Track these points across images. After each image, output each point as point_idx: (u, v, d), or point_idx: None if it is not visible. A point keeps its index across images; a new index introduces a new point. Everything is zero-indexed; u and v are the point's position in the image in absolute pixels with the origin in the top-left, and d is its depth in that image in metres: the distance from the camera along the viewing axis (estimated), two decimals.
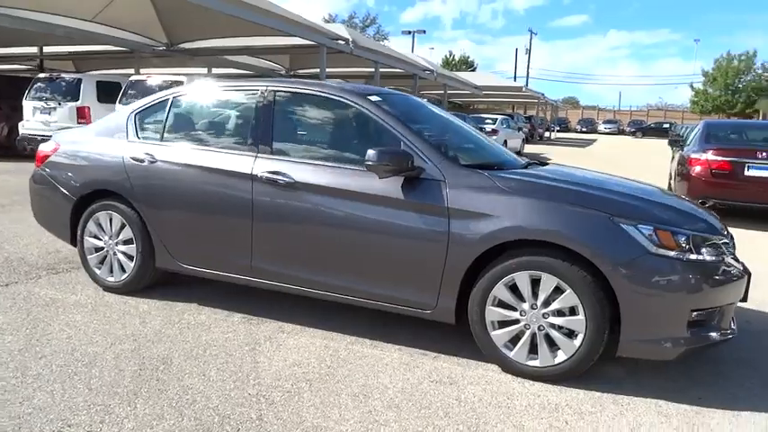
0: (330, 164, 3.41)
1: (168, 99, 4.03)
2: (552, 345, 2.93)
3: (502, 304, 3.00)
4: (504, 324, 3.02)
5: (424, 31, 66.47)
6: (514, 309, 2.98)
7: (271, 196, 3.45)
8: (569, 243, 2.80)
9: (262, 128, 3.62)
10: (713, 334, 2.88)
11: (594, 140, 40.14)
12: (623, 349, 2.82)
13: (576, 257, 2.82)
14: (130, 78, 10.98)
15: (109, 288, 4.09)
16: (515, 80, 49.05)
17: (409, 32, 47.88)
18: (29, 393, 2.66)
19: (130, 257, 4.00)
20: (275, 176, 3.42)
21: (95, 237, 4.11)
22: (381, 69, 15.94)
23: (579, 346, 2.85)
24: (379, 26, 52.72)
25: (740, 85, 49.43)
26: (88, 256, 4.15)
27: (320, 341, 3.39)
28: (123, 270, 4.04)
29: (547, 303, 2.90)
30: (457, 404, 2.71)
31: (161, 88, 10.52)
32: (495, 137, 17.52)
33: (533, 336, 2.96)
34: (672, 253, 2.75)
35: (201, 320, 3.65)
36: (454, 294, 3.08)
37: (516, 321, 2.99)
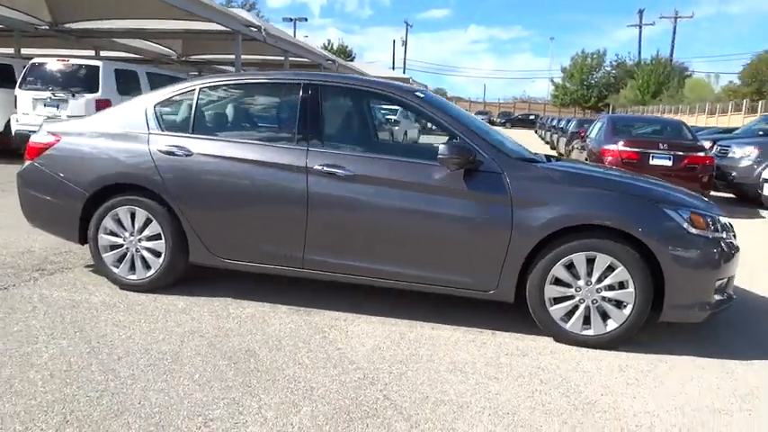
0: (388, 157, 3.57)
1: (194, 90, 3.91)
2: (604, 316, 3.37)
3: (559, 282, 3.38)
4: (559, 300, 3.41)
5: (306, 19, 65.83)
6: (570, 286, 3.38)
7: (328, 189, 3.54)
8: (625, 226, 3.25)
9: (310, 121, 3.66)
10: (725, 299, 3.48)
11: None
12: (665, 315, 3.33)
13: (626, 238, 3.27)
14: (32, 61, 9.87)
15: (129, 286, 3.91)
16: (393, 71, 50.34)
17: (290, 20, 47.28)
18: (139, 394, 2.59)
19: (157, 254, 3.85)
20: (334, 169, 3.51)
21: (112, 233, 3.89)
22: (290, 58, 15.79)
23: (629, 315, 3.31)
24: (259, 11, 51.25)
25: (593, 81, 54.89)
26: (103, 255, 3.92)
27: (380, 327, 3.55)
28: (147, 267, 3.88)
29: (600, 280, 3.33)
30: (543, 372, 3.05)
31: (68, 74, 9.70)
32: (397, 127, 18.10)
33: (587, 309, 3.38)
34: (703, 232, 3.30)
35: (251, 313, 3.64)
36: (515, 276, 3.41)
37: (572, 297, 3.39)
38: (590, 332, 3.38)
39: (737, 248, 3.56)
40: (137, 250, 3.88)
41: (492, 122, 57.70)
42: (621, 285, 3.32)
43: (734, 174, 10.12)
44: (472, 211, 3.40)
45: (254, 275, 3.97)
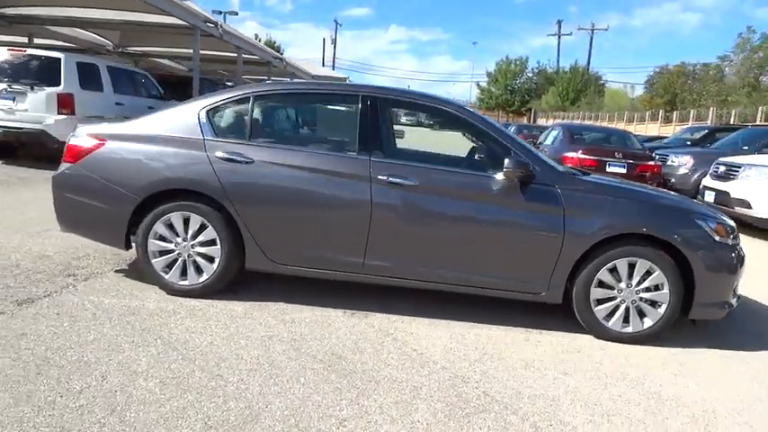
0: (447, 168, 3.80)
1: (248, 97, 3.96)
2: (641, 314, 3.77)
3: (603, 285, 3.75)
4: (603, 301, 3.77)
5: (237, 13, 64.23)
6: (612, 288, 3.75)
7: (392, 198, 3.72)
8: (664, 235, 3.65)
9: (371, 132, 3.82)
10: (737, 298, 3.98)
11: (404, 131, 43.18)
12: (694, 313, 3.77)
13: (662, 245, 3.68)
14: None
15: (179, 292, 3.90)
16: (324, 68, 50.27)
17: (220, 12, 45.95)
18: (260, 398, 2.68)
19: (210, 259, 3.87)
20: (398, 180, 3.69)
21: (162, 239, 3.87)
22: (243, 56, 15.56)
23: (663, 314, 3.73)
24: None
25: (516, 86, 57.31)
26: (153, 260, 3.89)
27: (437, 328, 3.77)
28: (199, 273, 3.89)
29: (639, 283, 3.72)
30: (602, 366, 3.40)
31: (23, 65, 9.14)
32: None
33: (626, 309, 3.76)
34: (724, 240, 3.77)
35: (312, 317, 3.75)
36: (563, 279, 3.74)
37: (614, 298, 3.76)
38: (629, 329, 3.77)
39: (745, 255, 4.07)
40: (189, 256, 3.88)
41: (421, 124, 58.89)
42: (657, 288, 3.73)
43: (673, 180, 11.09)
44: (529, 220, 3.69)
45: (295, 279, 4.05)
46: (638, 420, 2.81)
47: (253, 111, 3.94)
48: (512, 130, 20.82)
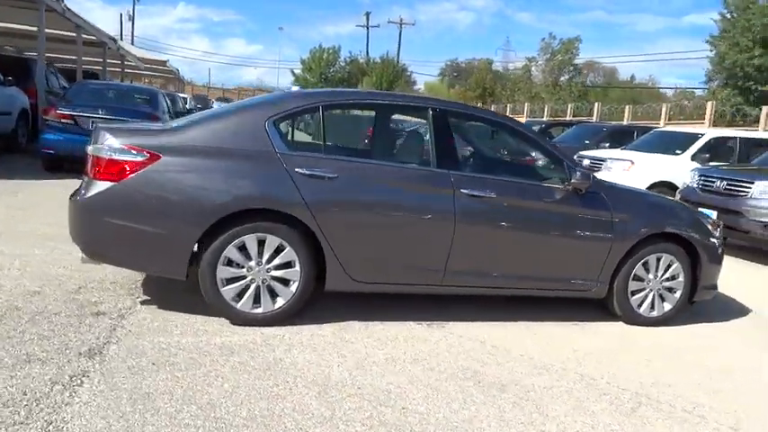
0: (517, 179, 4.02)
1: (317, 107, 3.72)
2: (662, 299, 4.42)
3: (637, 278, 4.32)
4: (637, 292, 4.34)
5: None
6: (643, 280, 4.34)
7: (472, 210, 3.82)
8: (684, 233, 4.32)
9: (447, 146, 3.87)
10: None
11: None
12: (697, 296, 4.52)
13: (678, 241, 4.36)
14: None
15: (252, 321, 3.56)
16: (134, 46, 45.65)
17: None
18: (451, 424, 2.68)
19: (285, 282, 3.60)
20: (478, 192, 3.81)
21: (231, 264, 3.49)
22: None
23: (679, 298, 4.42)
24: None
25: (329, 75, 58.23)
26: (222, 289, 3.49)
27: (511, 330, 4.00)
28: (274, 298, 3.60)
29: (663, 273, 4.37)
30: (663, 348, 3.95)
31: None
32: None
33: (653, 296, 4.39)
34: (717, 235, 4.59)
35: (405, 334, 3.71)
36: (609, 276, 4.23)
37: (644, 289, 4.35)
38: (654, 314, 4.40)
39: None
40: (263, 281, 3.56)
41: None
42: (673, 277, 4.41)
43: None
44: (587, 225, 4.09)
45: (342, 295, 3.93)
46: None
47: (324, 121, 3.71)
48: None
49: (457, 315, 4.09)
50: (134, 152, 3.36)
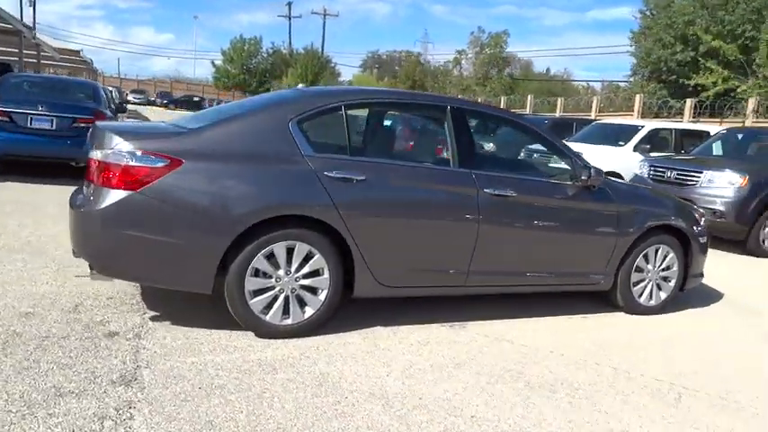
0: (534, 177, 4.05)
1: (339, 106, 3.56)
2: (659, 288, 4.61)
3: (638, 269, 4.48)
4: (637, 283, 4.51)
5: None
6: (643, 271, 4.51)
7: (495, 210, 3.81)
8: (681, 225, 4.52)
9: (468, 145, 3.82)
10: None
11: (131, 110, 39.33)
12: (688, 284, 4.75)
13: (673, 232, 4.55)
14: None
15: (281, 333, 3.38)
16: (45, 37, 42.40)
17: None
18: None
19: (313, 291, 3.44)
20: (501, 191, 3.80)
21: (258, 274, 3.29)
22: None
23: (673, 287, 4.63)
24: None
25: (252, 66, 56.70)
26: (250, 302, 3.29)
27: (529, 325, 4.04)
28: (303, 308, 3.43)
29: (660, 264, 4.55)
30: (680, 336, 4.12)
31: None
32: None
33: (651, 286, 4.57)
34: (703, 225, 4.84)
35: (434, 337, 3.65)
36: (614, 269, 4.36)
37: (644, 279, 4.52)
38: (652, 303, 4.59)
39: None
40: (292, 290, 3.38)
41: (151, 103, 54.09)
42: (669, 267, 4.61)
43: None
44: (598, 219, 4.19)
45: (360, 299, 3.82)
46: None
47: (347, 121, 3.56)
48: None
49: (471, 314, 4.08)
50: (154, 158, 3.08)
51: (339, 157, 3.47)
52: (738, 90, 16.31)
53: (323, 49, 53.33)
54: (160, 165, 3.08)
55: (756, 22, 17.87)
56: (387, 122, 3.93)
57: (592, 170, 4.05)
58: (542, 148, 4.54)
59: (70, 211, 3.40)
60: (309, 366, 3.07)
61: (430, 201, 3.66)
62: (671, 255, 4.56)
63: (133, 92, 55.00)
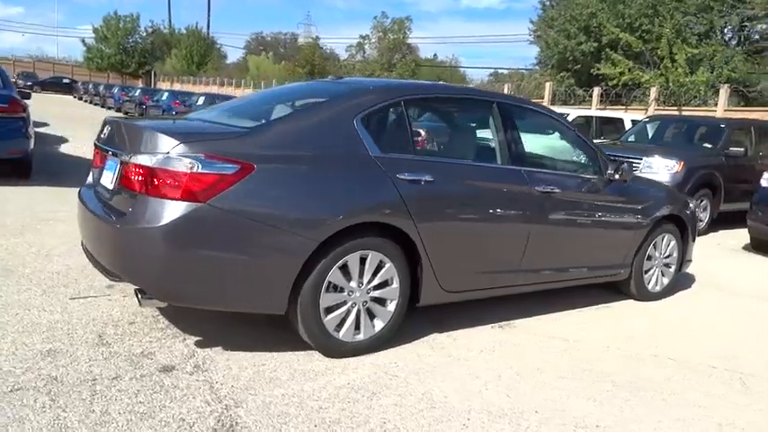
0: (572, 174, 4.06)
1: (398, 103, 3.29)
2: (663, 275, 4.84)
3: (648, 258, 4.66)
4: (647, 271, 4.69)
5: None
6: (652, 259, 4.70)
7: (543, 207, 3.75)
8: (683, 215, 4.76)
9: (517, 142, 3.72)
10: None
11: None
12: (682, 268, 5.03)
13: (676, 221, 4.78)
14: None
15: (352, 351, 3.11)
16: None
17: None
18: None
19: (382, 303, 3.20)
20: (548, 188, 3.76)
21: (331, 289, 2.99)
22: None
23: (673, 273, 4.88)
24: None
25: (129, 46, 52.54)
26: (324, 319, 2.98)
27: (559, 320, 4.06)
28: (373, 322, 3.18)
29: (665, 251, 4.77)
30: (695, 317, 4.33)
31: None
32: None
33: (657, 273, 4.77)
34: (695, 215, 5.13)
35: (497, 340, 3.55)
36: (631, 259, 4.50)
37: (652, 267, 4.72)
38: (658, 288, 4.80)
39: None
40: (364, 303, 3.11)
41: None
42: (670, 255, 4.85)
43: None
44: (625, 212, 4.30)
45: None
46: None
47: (408, 118, 3.31)
48: (164, 97, 20.86)
49: (510, 313, 4.02)
50: (222, 163, 2.66)
51: (405, 157, 3.22)
52: (642, 80, 17.69)
53: (209, 30, 50.79)
54: (230, 171, 2.66)
55: (652, 17, 19.53)
56: (443, 119, 3.73)
57: (622, 164, 4.13)
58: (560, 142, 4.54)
59: (100, 226, 2.87)
60: (404, 386, 2.84)
61: (490, 200, 3.52)
62: (673, 242, 4.80)
63: (21, 74, 47.99)
